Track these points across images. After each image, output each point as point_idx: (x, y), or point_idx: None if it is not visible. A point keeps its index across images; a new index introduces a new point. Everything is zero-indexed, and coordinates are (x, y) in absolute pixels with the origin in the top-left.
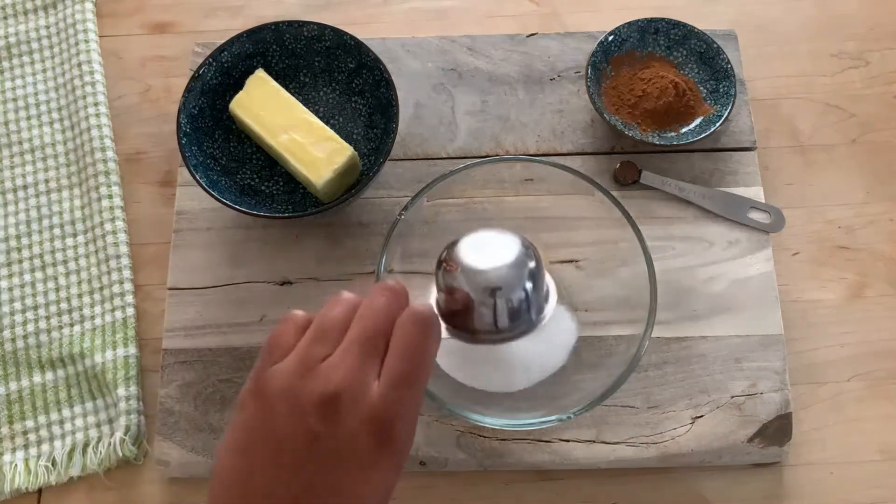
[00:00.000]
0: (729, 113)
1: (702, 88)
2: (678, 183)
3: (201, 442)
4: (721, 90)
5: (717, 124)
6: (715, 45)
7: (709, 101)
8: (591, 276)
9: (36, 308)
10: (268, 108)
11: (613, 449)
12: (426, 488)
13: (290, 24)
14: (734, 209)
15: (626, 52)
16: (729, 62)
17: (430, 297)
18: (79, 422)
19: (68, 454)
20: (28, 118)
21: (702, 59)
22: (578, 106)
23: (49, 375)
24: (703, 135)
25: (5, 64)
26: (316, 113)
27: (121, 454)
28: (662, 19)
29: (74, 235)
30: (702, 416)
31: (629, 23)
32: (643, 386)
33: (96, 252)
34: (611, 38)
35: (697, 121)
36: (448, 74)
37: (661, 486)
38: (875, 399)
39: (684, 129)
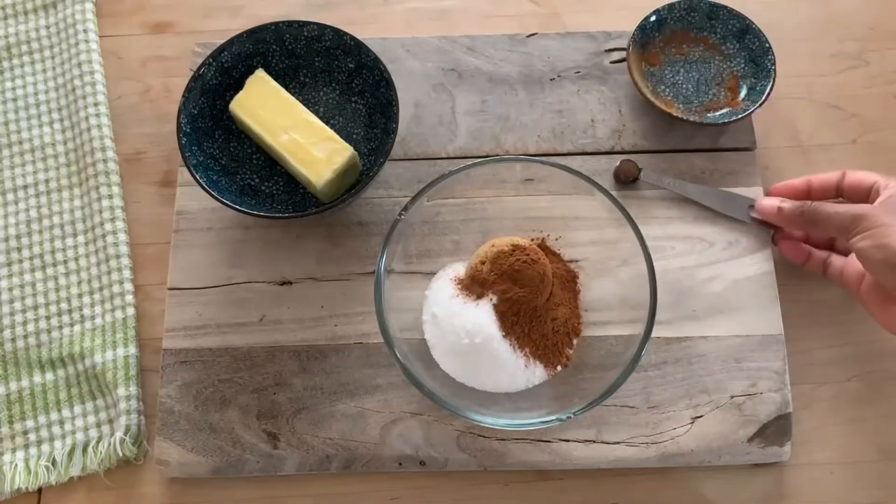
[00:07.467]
0: (755, 109)
1: (743, 85)
2: (678, 182)
3: (201, 442)
4: (759, 88)
5: (739, 116)
6: (767, 45)
7: (743, 97)
8: (591, 276)
9: (36, 308)
10: (268, 108)
11: (613, 449)
12: (426, 488)
13: (290, 24)
14: (734, 208)
15: (681, 29)
16: (774, 63)
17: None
18: (79, 422)
19: (68, 454)
20: (28, 118)
21: (751, 57)
22: (578, 106)
23: (49, 375)
24: (724, 121)
25: (5, 64)
26: (316, 113)
27: (121, 454)
28: (725, 7)
29: (74, 235)
30: (702, 416)
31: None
32: (643, 386)
33: (96, 252)
34: (669, 8)
35: (724, 111)
36: (448, 74)
37: (661, 486)
38: (875, 399)
39: (710, 115)
